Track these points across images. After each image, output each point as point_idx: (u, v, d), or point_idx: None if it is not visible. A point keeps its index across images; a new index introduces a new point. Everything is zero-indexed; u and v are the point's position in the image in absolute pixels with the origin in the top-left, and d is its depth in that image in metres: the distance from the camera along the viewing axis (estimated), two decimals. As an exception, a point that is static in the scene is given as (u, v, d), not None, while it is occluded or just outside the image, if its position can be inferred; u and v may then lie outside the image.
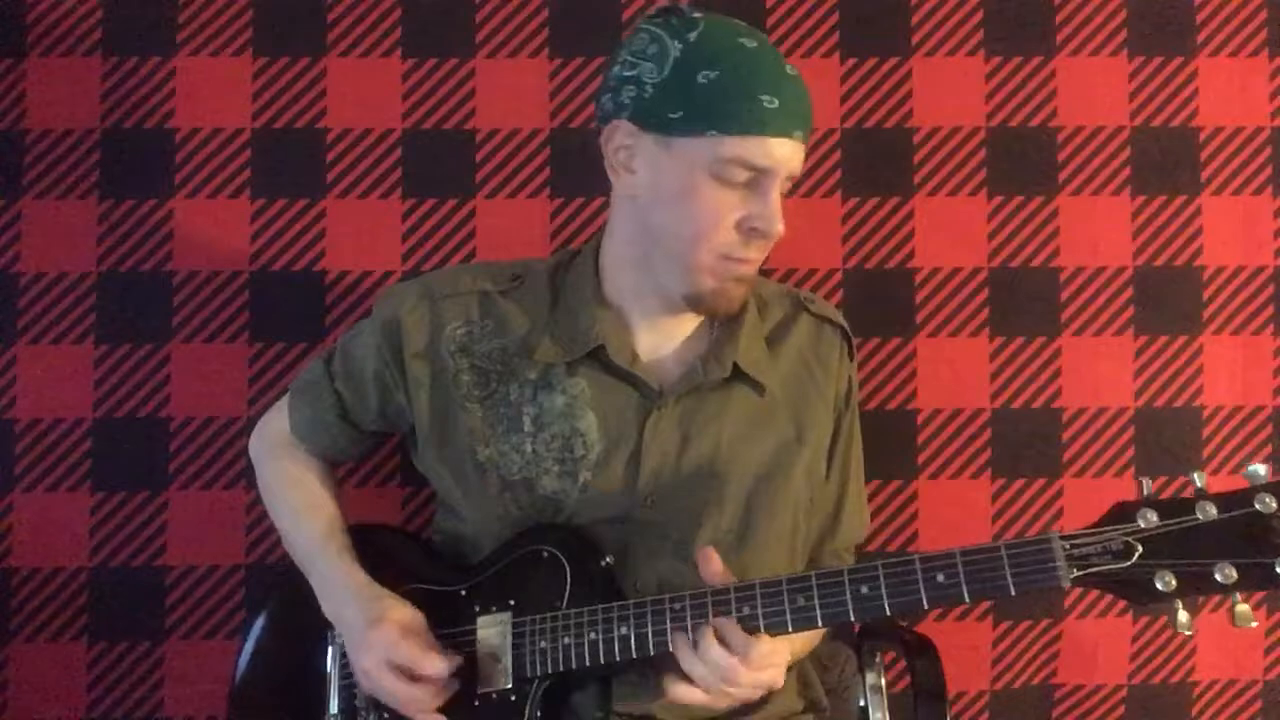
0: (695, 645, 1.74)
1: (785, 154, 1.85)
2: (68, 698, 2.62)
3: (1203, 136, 2.69)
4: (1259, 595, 1.63)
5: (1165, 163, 2.70)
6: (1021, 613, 2.67)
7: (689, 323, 2.06)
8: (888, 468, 2.59)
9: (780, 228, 1.87)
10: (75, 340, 2.62)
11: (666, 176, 1.89)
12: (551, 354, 2.01)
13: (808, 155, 2.52)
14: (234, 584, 2.63)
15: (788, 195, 1.91)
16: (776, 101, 1.83)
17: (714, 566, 1.80)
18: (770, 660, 1.75)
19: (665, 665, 1.88)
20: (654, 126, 1.88)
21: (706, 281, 1.93)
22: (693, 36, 1.86)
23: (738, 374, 2.02)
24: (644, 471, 1.97)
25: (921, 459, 2.67)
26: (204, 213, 2.64)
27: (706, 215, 1.88)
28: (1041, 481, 2.67)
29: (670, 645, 1.78)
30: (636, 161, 1.92)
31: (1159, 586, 1.56)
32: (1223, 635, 2.61)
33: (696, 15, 1.89)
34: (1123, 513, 1.61)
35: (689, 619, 1.78)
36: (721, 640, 1.73)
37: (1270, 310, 2.69)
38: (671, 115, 1.85)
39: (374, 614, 1.91)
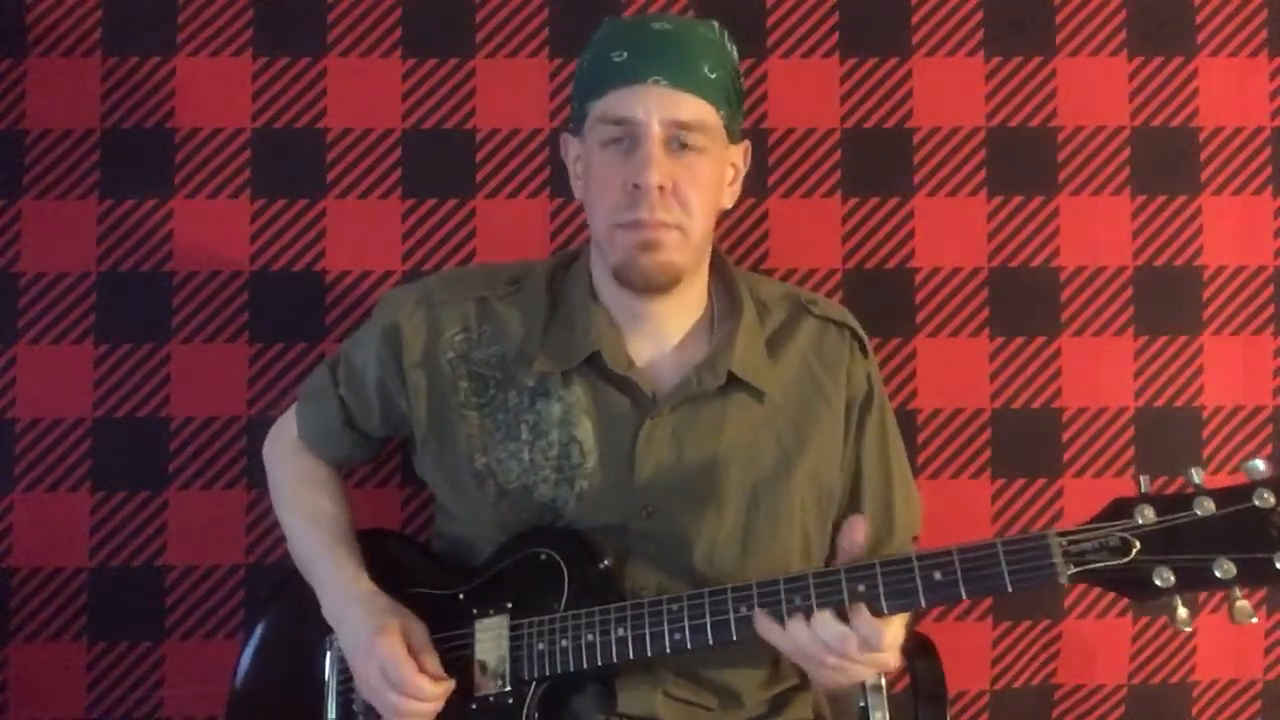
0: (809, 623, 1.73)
1: (640, 100, 1.88)
2: (68, 698, 2.61)
3: (1203, 136, 2.69)
4: (1259, 592, 1.63)
5: (1165, 163, 2.69)
6: (1021, 613, 2.66)
7: (678, 325, 2.05)
8: (888, 468, 2.59)
9: (649, 178, 1.86)
10: (75, 340, 2.62)
11: (585, 157, 1.98)
12: (547, 366, 2.00)
13: (809, 153, 2.52)
14: (234, 584, 2.63)
15: (699, 149, 1.90)
16: (625, 53, 1.89)
17: (856, 536, 1.78)
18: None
19: (665, 666, 1.93)
20: (576, 129, 1.99)
21: (615, 255, 1.94)
22: (596, 36, 1.99)
23: (735, 381, 1.99)
24: (638, 481, 1.96)
25: (921, 459, 2.67)
26: (204, 213, 2.64)
27: (598, 183, 1.94)
28: (1041, 481, 2.66)
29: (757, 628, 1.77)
30: (580, 165, 2.01)
31: (1157, 583, 1.56)
32: (1223, 635, 2.61)
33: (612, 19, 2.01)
34: (1120, 509, 1.61)
35: (708, 616, 1.80)
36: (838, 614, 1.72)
37: (1270, 310, 2.69)
38: (575, 110, 2.00)
39: (378, 623, 1.90)
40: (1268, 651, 2.69)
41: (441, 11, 2.67)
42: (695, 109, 1.89)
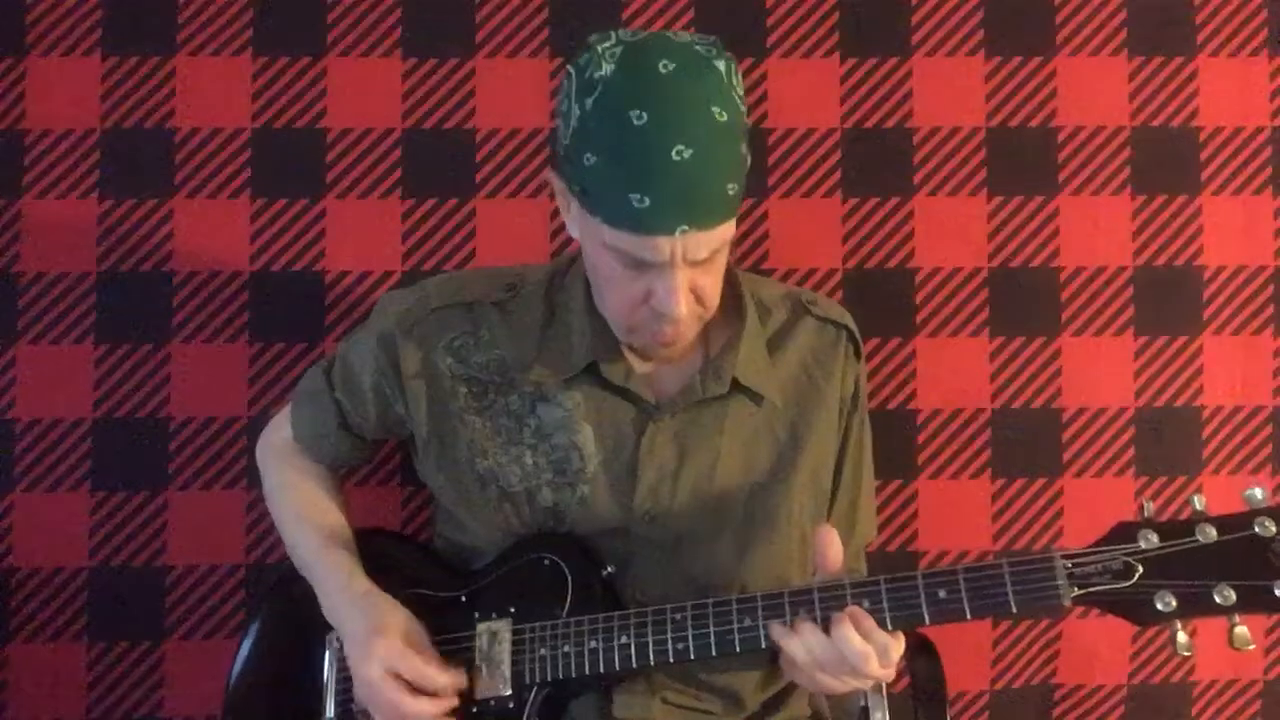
0: (828, 631, 1.71)
1: (665, 247, 1.73)
2: (68, 698, 2.62)
3: (1203, 136, 2.69)
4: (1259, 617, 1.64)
5: (1165, 163, 2.69)
6: (1021, 613, 2.67)
7: None
8: (888, 468, 2.57)
9: (679, 309, 1.78)
10: (75, 340, 2.62)
11: (585, 239, 1.86)
12: (544, 375, 1.99)
13: (809, 153, 2.50)
14: (234, 584, 2.63)
15: (703, 262, 1.78)
16: (648, 200, 1.69)
17: (833, 551, 1.78)
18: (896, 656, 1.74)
19: (663, 672, 1.94)
20: (571, 191, 1.81)
21: (635, 338, 1.93)
22: (589, 103, 1.72)
23: (736, 386, 1.99)
24: (640, 487, 1.96)
25: (921, 459, 2.67)
26: (204, 213, 2.64)
27: (612, 290, 1.85)
28: (1041, 481, 2.67)
29: (771, 635, 1.76)
30: (571, 208, 1.87)
31: (1159, 607, 1.58)
32: (1223, 635, 2.60)
33: (600, 74, 1.72)
34: (1123, 533, 1.63)
35: (712, 626, 1.79)
36: (858, 629, 1.70)
37: (1270, 310, 2.69)
38: (574, 188, 1.79)
39: (376, 622, 1.90)
40: (1268, 651, 2.70)
41: (441, 11, 2.67)
42: (722, 236, 1.78)
